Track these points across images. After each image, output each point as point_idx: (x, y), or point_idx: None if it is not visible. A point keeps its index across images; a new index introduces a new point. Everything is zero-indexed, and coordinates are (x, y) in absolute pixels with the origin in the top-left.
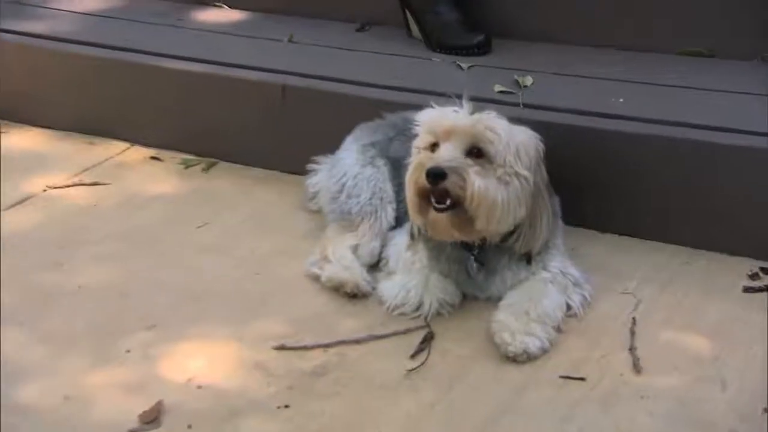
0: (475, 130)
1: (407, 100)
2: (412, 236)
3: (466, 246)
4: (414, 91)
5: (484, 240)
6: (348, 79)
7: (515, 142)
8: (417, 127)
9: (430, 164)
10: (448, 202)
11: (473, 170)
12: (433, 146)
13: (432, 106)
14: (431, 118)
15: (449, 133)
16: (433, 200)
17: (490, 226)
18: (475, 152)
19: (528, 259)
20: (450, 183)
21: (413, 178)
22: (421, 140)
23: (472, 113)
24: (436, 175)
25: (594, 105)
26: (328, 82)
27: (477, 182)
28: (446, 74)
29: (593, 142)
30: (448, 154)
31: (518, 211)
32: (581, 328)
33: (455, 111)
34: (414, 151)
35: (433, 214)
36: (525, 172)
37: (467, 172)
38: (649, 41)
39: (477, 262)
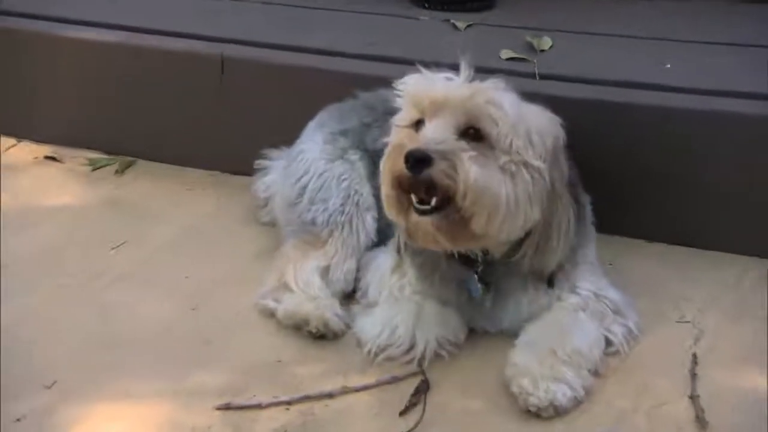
0: (473, 104)
1: (386, 73)
2: (398, 249)
3: (467, 260)
4: (395, 61)
5: (486, 251)
6: (308, 47)
7: (526, 123)
8: (398, 99)
9: (410, 146)
10: (434, 201)
11: (467, 155)
12: (418, 124)
13: (418, 71)
14: (416, 87)
15: (439, 107)
16: (414, 199)
17: (491, 229)
18: (472, 133)
19: (549, 280)
20: (436, 171)
21: (389, 164)
22: (403, 115)
23: (471, 82)
24: (418, 159)
25: (632, 73)
26: (281, 52)
27: (472, 171)
28: (437, 37)
29: (634, 122)
30: (436, 133)
31: (529, 212)
32: (625, 370)
33: (448, 78)
34: (393, 130)
35: (414, 216)
36: (537, 163)
37: (459, 157)
38: None
39: (481, 282)
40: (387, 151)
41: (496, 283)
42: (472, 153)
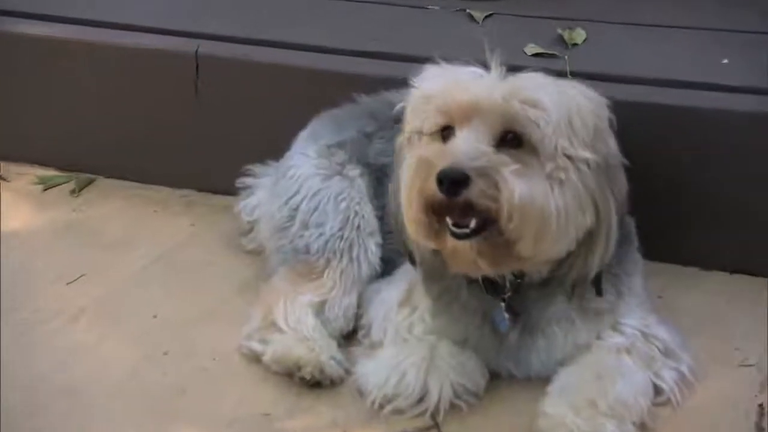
0: (511, 108)
1: (391, 72)
2: (411, 261)
3: (492, 286)
4: (401, 59)
5: (522, 274)
6: (298, 44)
7: (568, 113)
8: (414, 98)
9: (443, 163)
10: (473, 223)
11: (510, 170)
12: (445, 131)
13: (438, 63)
14: (442, 87)
15: (471, 113)
16: (449, 222)
17: (540, 248)
18: (510, 139)
19: (597, 287)
20: (474, 192)
21: (416, 183)
22: (426, 121)
23: (505, 78)
24: (453, 181)
25: (681, 71)
26: (266, 49)
27: (517, 188)
28: (451, 30)
29: (684, 129)
30: (470, 145)
31: (581, 219)
32: (678, 422)
33: (475, 74)
34: (410, 137)
35: (451, 241)
36: (584, 153)
37: (500, 173)
38: None
39: (509, 312)
40: (410, 166)
41: (525, 313)
42: (515, 166)
